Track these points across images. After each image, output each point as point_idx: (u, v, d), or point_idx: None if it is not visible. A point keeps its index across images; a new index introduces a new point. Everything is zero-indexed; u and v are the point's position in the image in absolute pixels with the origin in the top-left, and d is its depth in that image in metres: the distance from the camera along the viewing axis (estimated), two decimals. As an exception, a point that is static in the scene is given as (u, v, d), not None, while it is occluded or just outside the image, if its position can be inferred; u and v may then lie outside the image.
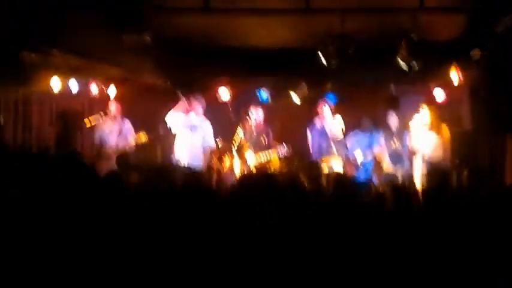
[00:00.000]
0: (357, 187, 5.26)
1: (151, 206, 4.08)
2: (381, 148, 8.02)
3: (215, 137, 8.49)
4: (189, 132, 8.15)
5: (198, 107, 8.18)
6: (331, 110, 8.01)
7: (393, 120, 7.93)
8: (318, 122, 8.11)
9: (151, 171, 5.65)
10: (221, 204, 4.45)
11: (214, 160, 8.70)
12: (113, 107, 8.26)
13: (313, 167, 6.13)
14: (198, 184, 5.21)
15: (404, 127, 7.82)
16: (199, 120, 8.22)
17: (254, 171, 7.79)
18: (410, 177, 7.60)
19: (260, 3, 5.86)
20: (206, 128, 8.23)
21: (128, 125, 8.35)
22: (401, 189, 4.71)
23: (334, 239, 3.63)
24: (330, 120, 7.95)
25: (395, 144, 7.76)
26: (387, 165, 8.02)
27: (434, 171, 6.38)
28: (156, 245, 3.51)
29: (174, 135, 8.23)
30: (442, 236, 3.67)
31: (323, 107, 7.99)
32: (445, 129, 7.54)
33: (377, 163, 8.19)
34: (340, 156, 7.90)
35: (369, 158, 8.10)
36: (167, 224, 3.73)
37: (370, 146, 8.10)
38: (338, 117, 8.01)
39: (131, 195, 4.56)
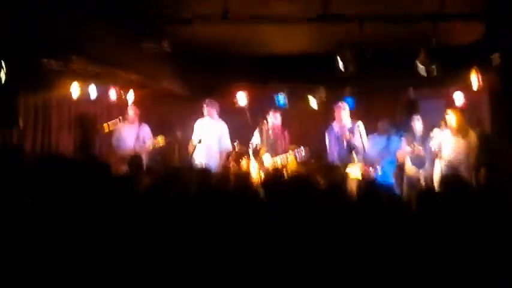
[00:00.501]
0: (380, 190, 5.26)
1: (163, 207, 4.15)
2: (402, 152, 7.99)
3: (233, 140, 8.53)
4: (206, 135, 8.20)
5: (213, 111, 8.24)
6: (348, 113, 7.94)
7: (418, 124, 7.89)
8: (335, 126, 8.03)
9: (164, 173, 5.69)
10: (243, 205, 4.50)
11: (231, 162, 8.74)
12: (131, 111, 8.34)
13: (333, 170, 6.14)
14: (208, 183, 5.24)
15: (425, 131, 7.81)
16: (214, 123, 8.27)
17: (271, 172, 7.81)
18: (431, 181, 7.59)
19: (278, 11, 5.84)
20: (222, 130, 8.28)
21: (146, 129, 8.42)
22: (425, 193, 4.71)
23: (353, 241, 3.64)
24: (347, 123, 7.85)
25: (417, 148, 7.73)
26: (409, 169, 8.00)
27: (449, 175, 6.37)
28: (163, 245, 3.54)
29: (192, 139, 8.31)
30: (455, 238, 3.69)
31: (341, 111, 7.90)
32: (472, 133, 7.50)
33: (399, 166, 8.15)
34: (359, 161, 7.83)
35: (387, 161, 8.09)
36: (178, 225, 3.78)
37: (387, 149, 8.08)
38: (360, 124, 7.88)
39: (143, 197, 4.64)
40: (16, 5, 5.23)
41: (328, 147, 8.13)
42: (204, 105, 8.22)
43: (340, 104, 8.01)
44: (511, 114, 7.15)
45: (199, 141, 8.05)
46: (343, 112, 7.90)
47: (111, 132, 8.50)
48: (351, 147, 7.66)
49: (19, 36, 5.60)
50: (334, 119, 8.04)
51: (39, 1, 5.37)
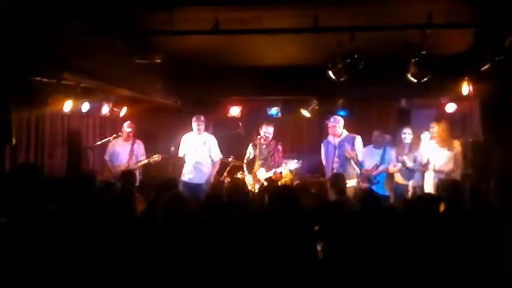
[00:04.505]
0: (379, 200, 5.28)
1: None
2: (393, 162, 8.01)
3: (227, 154, 8.52)
4: (194, 150, 8.20)
5: (201, 124, 8.22)
6: (342, 126, 7.95)
7: (408, 137, 7.90)
8: (331, 140, 8.01)
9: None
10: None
11: (226, 177, 8.74)
12: (128, 128, 8.34)
13: (339, 178, 6.13)
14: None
15: (415, 141, 7.82)
16: (203, 137, 8.26)
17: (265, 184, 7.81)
18: (421, 189, 7.59)
19: (269, 24, 5.86)
20: (211, 143, 8.26)
21: (140, 145, 8.42)
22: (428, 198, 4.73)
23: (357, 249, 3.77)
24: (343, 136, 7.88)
25: (407, 158, 7.75)
26: (399, 179, 8.00)
27: (445, 182, 6.36)
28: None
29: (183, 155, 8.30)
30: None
31: (336, 126, 7.88)
32: (457, 143, 7.54)
33: (388, 176, 8.16)
34: (355, 173, 7.79)
35: (382, 172, 8.09)
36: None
37: (382, 161, 8.06)
38: (359, 139, 7.89)
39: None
40: (6, 23, 5.23)
41: (324, 160, 8.13)
42: (192, 120, 8.22)
43: (332, 119, 7.98)
44: (502, 121, 7.19)
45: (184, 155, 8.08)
46: (338, 127, 7.90)
47: (104, 148, 8.51)
48: (355, 163, 7.70)
49: (11, 54, 5.60)
50: (328, 133, 8.02)
51: (30, 19, 5.37)
